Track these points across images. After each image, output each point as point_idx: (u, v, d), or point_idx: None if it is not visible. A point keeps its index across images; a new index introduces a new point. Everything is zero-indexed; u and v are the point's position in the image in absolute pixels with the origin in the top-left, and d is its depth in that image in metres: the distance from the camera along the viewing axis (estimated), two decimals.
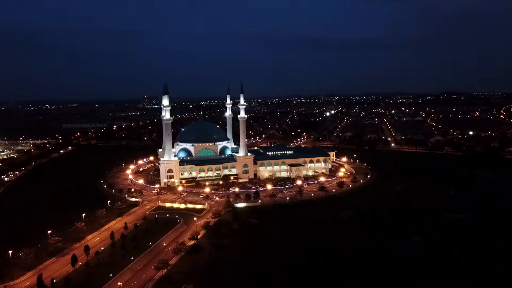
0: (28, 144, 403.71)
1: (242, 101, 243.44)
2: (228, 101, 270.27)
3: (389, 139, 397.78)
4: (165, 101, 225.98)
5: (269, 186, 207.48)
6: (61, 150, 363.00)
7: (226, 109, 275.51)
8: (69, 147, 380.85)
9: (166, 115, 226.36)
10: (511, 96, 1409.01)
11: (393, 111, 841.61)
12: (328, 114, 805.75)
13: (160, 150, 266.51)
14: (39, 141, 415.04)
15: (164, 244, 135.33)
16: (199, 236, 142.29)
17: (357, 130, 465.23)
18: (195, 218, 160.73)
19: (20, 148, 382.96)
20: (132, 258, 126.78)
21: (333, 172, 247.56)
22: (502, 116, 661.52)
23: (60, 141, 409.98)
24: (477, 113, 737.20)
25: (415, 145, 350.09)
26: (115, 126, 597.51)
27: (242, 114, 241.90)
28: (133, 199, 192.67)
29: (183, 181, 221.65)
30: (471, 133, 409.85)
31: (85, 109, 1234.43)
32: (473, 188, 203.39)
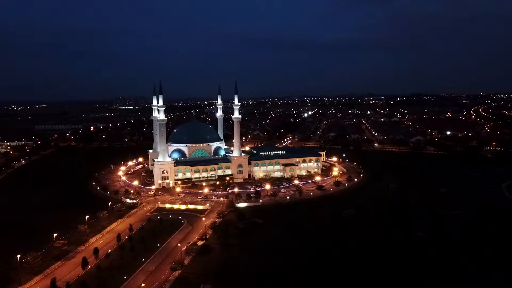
0: (4, 146, 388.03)
1: (236, 101, 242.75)
2: (219, 101, 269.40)
3: (373, 139, 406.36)
4: (160, 101, 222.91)
5: (267, 186, 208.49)
6: (41, 152, 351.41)
7: (217, 109, 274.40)
8: (48, 149, 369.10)
9: (161, 115, 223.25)
10: (477, 97, 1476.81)
11: (368, 112, 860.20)
12: (306, 115, 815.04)
13: (150, 151, 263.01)
14: (16, 143, 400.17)
15: (179, 245, 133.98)
16: (207, 237, 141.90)
17: (338, 131, 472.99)
18: (203, 219, 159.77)
19: None
20: (143, 259, 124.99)
21: (325, 171, 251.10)
22: (473, 116, 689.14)
23: (39, 143, 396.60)
24: (449, 114, 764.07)
25: (398, 145, 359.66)
26: (92, 128, 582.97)
27: (236, 114, 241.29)
28: (131, 201, 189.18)
29: (179, 182, 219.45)
30: (448, 133, 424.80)
31: (55, 110, 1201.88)
32: (462, 186, 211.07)
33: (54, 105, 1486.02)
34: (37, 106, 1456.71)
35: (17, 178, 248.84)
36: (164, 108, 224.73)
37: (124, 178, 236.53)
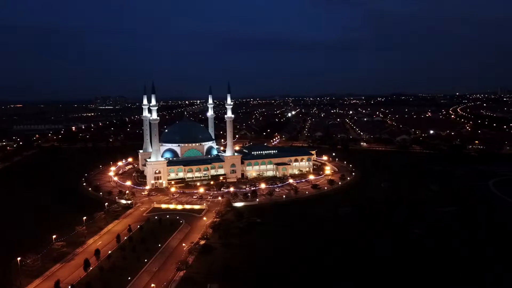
0: None
1: (229, 100, 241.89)
2: (210, 101, 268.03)
3: (359, 138, 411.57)
4: (153, 101, 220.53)
5: (263, 185, 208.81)
6: (23, 152, 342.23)
7: (208, 108, 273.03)
8: (31, 150, 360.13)
9: (153, 115, 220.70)
10: (454, 97, 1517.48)
11: (351, 112, 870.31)
12: (289, 114, 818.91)
13: (141, 151, 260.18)
14: None
15: (183, 244, 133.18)
16: (207, 236, 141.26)
17: (324, 130, 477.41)
18: (204, 218, 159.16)
19: None
20: (146, 260, 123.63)
21: (316, 170, 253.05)
22: (453, 116, 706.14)
23: (21, 143, 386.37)
24: (429, 113, 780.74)
25: (384, 143, 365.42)
26: (73, 128, 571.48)
27: (229, 114, 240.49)
28: (125, 201, 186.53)
29: (173, 182, 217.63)
30: (432, 132, 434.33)
31: (32, 110, 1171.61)
32: (451, 184, 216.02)
33: (31, 105, 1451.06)
34: (11, 106, 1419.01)
35: (3, 180, 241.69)
36: (156, 108, 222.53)
37: (115, 178, 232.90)
